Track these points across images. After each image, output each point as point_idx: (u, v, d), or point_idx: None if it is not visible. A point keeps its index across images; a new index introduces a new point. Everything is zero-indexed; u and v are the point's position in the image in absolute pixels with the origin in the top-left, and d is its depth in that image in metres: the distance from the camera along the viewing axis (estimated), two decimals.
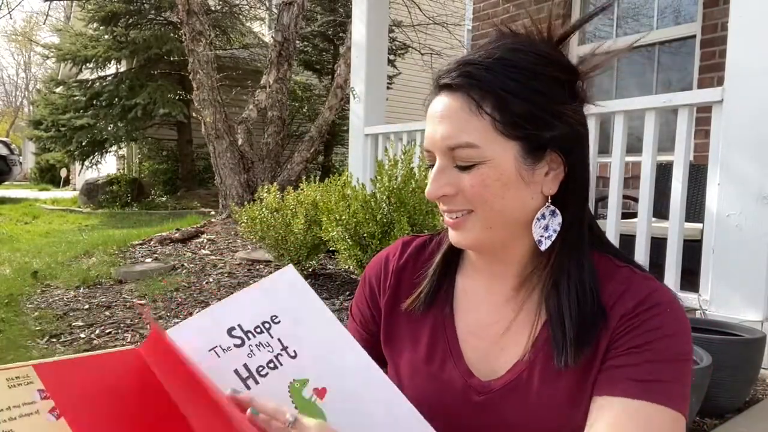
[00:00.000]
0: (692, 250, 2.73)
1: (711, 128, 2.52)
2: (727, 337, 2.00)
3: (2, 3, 9.20)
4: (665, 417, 0.62)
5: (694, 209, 3.48)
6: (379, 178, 2.97)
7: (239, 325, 0.68)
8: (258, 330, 0.68)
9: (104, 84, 9.90)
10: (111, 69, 10.37)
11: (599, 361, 0.68)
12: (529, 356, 0.72)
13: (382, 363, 0.84)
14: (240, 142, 5.90)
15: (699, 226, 3.02)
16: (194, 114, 7.32)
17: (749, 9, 2.35)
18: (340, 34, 9.61)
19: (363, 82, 4.58)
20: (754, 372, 1.99)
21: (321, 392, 0.66)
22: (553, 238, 0.71)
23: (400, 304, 0.83)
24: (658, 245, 2.70)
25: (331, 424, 0.63)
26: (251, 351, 0.66)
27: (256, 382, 0.64)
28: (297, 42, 6.50)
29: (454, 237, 0.74)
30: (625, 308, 0.68)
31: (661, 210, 3.21)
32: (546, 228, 0.71)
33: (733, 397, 1.95)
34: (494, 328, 0.76)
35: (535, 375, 0.71)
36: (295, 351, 0.68)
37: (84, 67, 10.06)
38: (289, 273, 0.74)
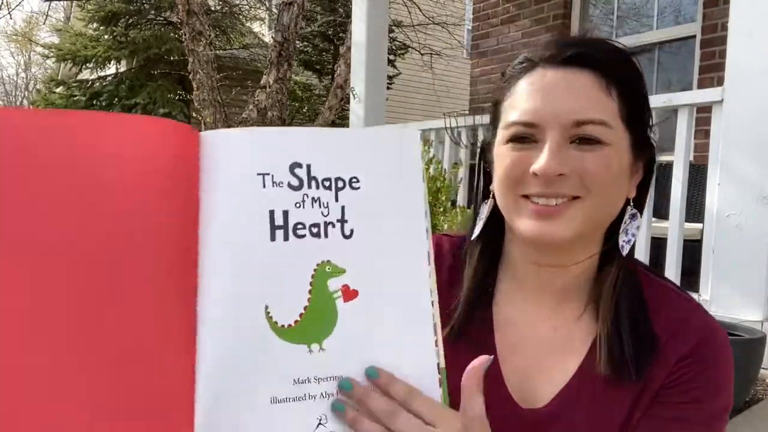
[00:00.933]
0: (692, 250, 2.73)
1: (711, 128, 2.52)
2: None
3: (2, 3, 9.20)
4: None
5: (694, 209, 3.48)
6: None
7: (309, 165, 0.53)
8: (326, 183, 0.53)
9: (104, 84, 9.91)
10: (111, 69, 10.38)
11: (650, 397, 0.65)
12: (575, 382, 0.67)
13: None
14: None
15: (699, 226, 3.02)
16: (194, 114, 7.33)
17: (749, 9, 2.35)
18: (340, 34, 9.61)
19: (363, 82, 4.58)
20: (754, 372, 1.99)
21: (349, 294, 0.53)
22: (632, 243, 0.67)
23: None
24: (658, 245, 2.70)
25: (335, 332, 0.53)
26: (303, 201, 0.53)
27: (285, 239, 0.52)
28: (297, 42, 6.50)
29: (543, 228, 0.63)
30: (682, 350, 0.64)
31: (661, 210, 3.20)
32: (626, 232, 0.67)
33: (734, 396, 1.95)
34: (535, 345, 0.70)
35: (582, 401, 0.66)
36: (352, 231, 0.53)
37: (84, 67, 10.07)
38: (413, 138, 0.57)
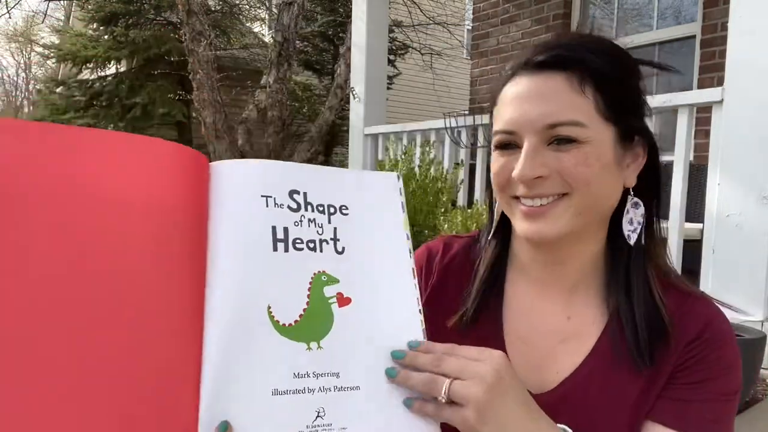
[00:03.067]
0: (692, 250, 2.73)
1: (711, 128, 2.51)
2: None
3: (1, 3, 9.20)
4: None
5: (694, 209, 3.48)
6: None
7: (305, 193, 0.62)
8: (320, 208, 0.62)
9: (104, 84, 9.90)
10: (111, 69, 10.38)
11: (663, 381, 0.67)
12: (584, 368, 0.69)
13: None
14: (240, 142, 5.90)
15: (699, 226, 3.02)
16: (194, 114, 7.33)
17: (749, 9, 2.35)
18: (340, 34, 9.60)
19: (363, 82, 4.59)
20: (754, 372, 1.99)
21: (344, 300, 0.60)
22: (638, 231, 0.69)
23: (441, 309, 0.77)
24: None
25: (331, 333, 0.59)
26: (300, 221, 0.60)
27: (285, 250, 0.58)
28: (297, 42, 6.50)
29: (534, 227, 0.67)
30: (689, 335, 0.67)
31: (661, 210, 3.20)
32: (631, 221, 0.69)
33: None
34: (546, 336, 0.73)
35: (594, 386, 0.68)
36: (343, 248, 0.62)
37: (84, 67, 10.07)
38: (392, 179, 0.68)
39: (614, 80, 0.66)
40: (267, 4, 11.43)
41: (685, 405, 0.66)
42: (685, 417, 0.65)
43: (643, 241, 0.70)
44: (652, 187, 0.72)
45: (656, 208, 0.73)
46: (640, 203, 0.70)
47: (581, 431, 0.66)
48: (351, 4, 4.77)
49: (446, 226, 2.55)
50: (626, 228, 0.69)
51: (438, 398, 0.56)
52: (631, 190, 0.70)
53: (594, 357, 0.69)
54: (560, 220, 0.66)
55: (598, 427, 0.67)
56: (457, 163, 3.70)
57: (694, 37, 4.34)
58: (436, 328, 0.75)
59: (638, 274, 0.69)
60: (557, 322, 0.73)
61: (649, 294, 0.68)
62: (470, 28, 6.22)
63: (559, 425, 0.61)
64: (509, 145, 0.68)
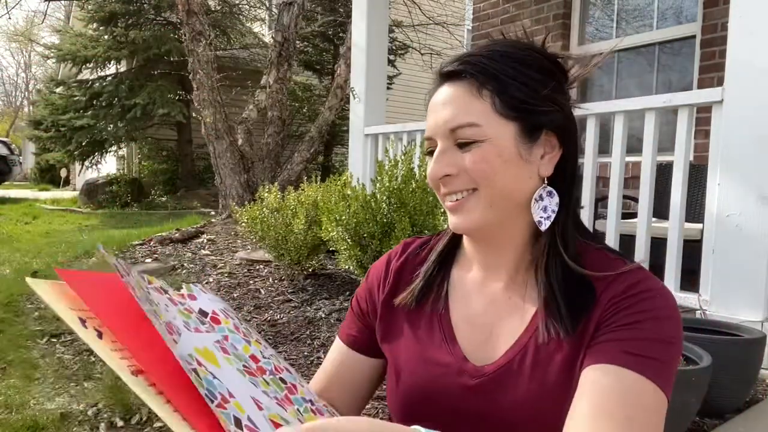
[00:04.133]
0: (692, 250, 2.73)
1: (711, 128, 2.52)
2: (727, 337, 2.00)
3: (1, 3, 9.19)
4: (652, 393, 0.63)
5: (694, 209, 3.48)
6: (379, 178, 2.97)
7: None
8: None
9: (104, 84, 9.90)
10: (111, 69, 10.38)
11: (588, 340, 0.69)
12: (522, 340, 0.74)
13: (379, 356, 0.88)
14: (240, 142, 5.90)
15: (699, 226, 3.02)
16: (194, 114, 7.33)
17: (749, 9, 2.35)
18: (340, 34, 9.60)
19: (363, 82, 4.58)
20: (754, 372, 1.99)
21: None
22: (552, 219, 0.74)
23: (396, 301, 0.86)
24: (658, 245, 2.70)
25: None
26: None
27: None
28: (297, 42, 6.50)
29: (454, 221, 0.76)
30: (614, 291, 0.70)
31: (661, 210, 3.21)
32: (545, 209, 0.74)
33: (733, 397, 1.95)
34: (488, 317, 0.79)
35: (528, 358, 0.73)
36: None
37: (84, 67, 10.06)
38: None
39: (515, 80, 0.72)
40: (267, 4, 11.43)
41: (615, 342, 0.67)
42: (615, 351, 0.65)
43: (562, 222, 0.75)
44: (568, 175, 0.76)
45: (570, 196, 0.76)
46: (554, 192, 0.75)
47: (524, 405, 0.72)
48: (351, 4, 4.77)
49: (446, 226, 2.56)
50: (537, 215, 0.74)
51: None
52: (545, 179, 0.75)
53: (528, 332, 0.74)
54: (473, 212, 0.74)
55: (535, 397, 0.71)
56: None
57: (694, 37, 4.34)
58: (391, 315, 0.86)
59: (554, 253, 0.74)
60: (498, 302, 0.79)
61: (567, 265, 0.73)
62: (470, 28, 6.21)
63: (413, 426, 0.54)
64: (432, 150, 0.76)
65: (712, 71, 4.13)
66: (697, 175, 3.46)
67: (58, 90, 10.38)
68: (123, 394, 2.15)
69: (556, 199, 0.74)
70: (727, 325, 2.13)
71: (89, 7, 9.83)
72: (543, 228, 0.74)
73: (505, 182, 0.72)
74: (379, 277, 0.90)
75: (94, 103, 9.77)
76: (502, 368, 0.74)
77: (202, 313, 0.73)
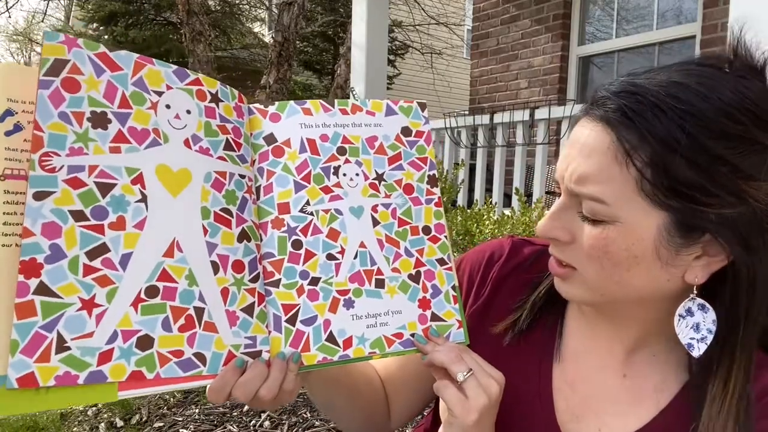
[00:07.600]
0: None
1: None
2: None
3: (0, 2, 9.20)
4: None
5: None
6: None
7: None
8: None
9: None
10: None
11: None
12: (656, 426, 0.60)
13: None
14: None
15: None
16: None
17: (749, 9, 2.35)
18: (340, 34, 9.62)
19: (363, 82, 4.59)
20: None
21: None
22: (708, 342, 0.55)
23: (489, 319, 0.70)
24: None
25: None
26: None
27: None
28: (297, 42, 6.50)
29: (559, 287, 0.61)
30: None
31: None
32: (697, 328, 0.55)
33: None
34: (596, 388, 0.64)
35: None
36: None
37: None
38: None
39: (686, 154, 0.49)
40: (267, 4, 11.45)
41: None
42: None
43: (732, 340, 0.56)
44: (742, 292, 0.54)
45: (736, 316, 0.55)
46: (708, 307, 0.55)
47: None
48: (351, 4, 4.77)
49: (446, 226, 2.56)
50: (684, 335, 0.55)
51: (456, 375, 0.57)
52: (695, 288, 0.55)
53: (663, 425, 0.59)
54: (577, 291, 0.59)
55: None
56: (457, 163, 3.69)
57: (694, 37, 4.34)
58: (476, 331, 0.69)
59: (725, 377, 0.56)
60: (610, 378, 0.63)
61: (741, 405, 0.55)
62: (470, 28, 6.22)
63: None
64: (555, 192, 0.61)
65: None
66: None
67: None
68: None
69: (712, 315, 0.55)
70: None
71: (89, 7, 9.84)
72: (696, 353, 0.55)
73: (627, 280, 0.54)
74: (474, 276, 0.73)
75: None
76: None
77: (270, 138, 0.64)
